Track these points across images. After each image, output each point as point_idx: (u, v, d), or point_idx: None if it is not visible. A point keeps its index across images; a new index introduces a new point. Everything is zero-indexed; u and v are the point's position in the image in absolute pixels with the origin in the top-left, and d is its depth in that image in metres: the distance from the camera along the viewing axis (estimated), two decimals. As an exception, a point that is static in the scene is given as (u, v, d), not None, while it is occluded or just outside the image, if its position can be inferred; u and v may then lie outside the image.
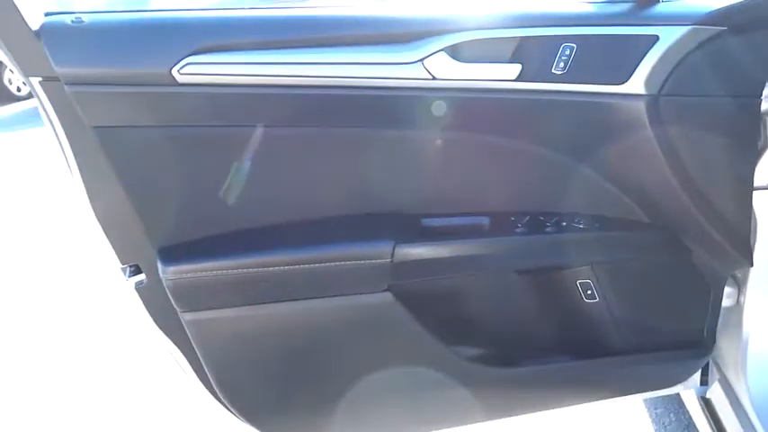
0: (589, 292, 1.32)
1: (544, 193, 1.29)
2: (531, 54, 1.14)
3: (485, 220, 1.28)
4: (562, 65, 1.14)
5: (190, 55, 1.07)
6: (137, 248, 1.19)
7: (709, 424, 1.53)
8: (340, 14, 1.15)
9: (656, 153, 1.16)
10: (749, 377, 1.39)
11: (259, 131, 1.16)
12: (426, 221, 1.27)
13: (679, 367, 1.40)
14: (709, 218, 1.22)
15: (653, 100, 1.13)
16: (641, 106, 1.14)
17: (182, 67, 1.07)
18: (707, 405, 1.54)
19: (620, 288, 1.32)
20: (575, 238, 1.25)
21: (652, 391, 1.42)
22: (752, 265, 1.27)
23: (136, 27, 1.08)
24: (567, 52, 1.13)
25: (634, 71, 1.12)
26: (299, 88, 1.13)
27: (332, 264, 1.17)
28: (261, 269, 1.15)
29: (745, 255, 1.25)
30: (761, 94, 1.20)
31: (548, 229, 1.25)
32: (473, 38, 1.13)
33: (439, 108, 1.17)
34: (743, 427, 1.40)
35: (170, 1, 1.41)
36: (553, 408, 1.41)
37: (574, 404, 1.42)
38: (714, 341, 1.39)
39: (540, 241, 1.23)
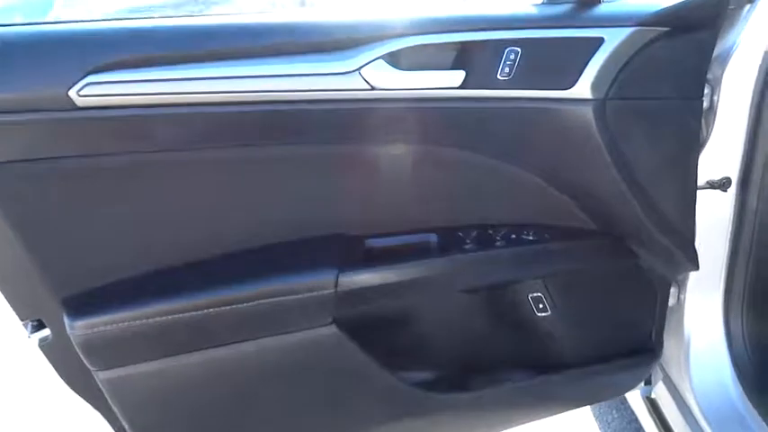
0: (541, 305, 1.26)
1: (492, 204, 1.22)
2: (474, 60, 1.06)
3: (432, 237, 1.20)
4: (507, 70, 1.06)
5: (90, 74, 0.91)
6: (37, 301, 1.01)
7: (656, 423, 1.52)
8: (265, 21, 1.02)
9: (603, 158, 1.12)
10: (692, 375, 1.39)
11: (175, 156, 1.01)
12: (371, 242, 1.16)
13: (629, 374, 1.38)
14: (655, 222, 1.19)
15: (599, 105, 1.08)
16: (588, 111, 1.08)
17: (81, 88, 0.91)
18: (652, 405, 1.54)
19: (571, 299, 1.28)
20: (525, 252, 1.19)
21: (604, 400, 1.39)
22: (698, 269, 1.26)
23: (26, 43, 0.91)
24: (512, 57, 1.06)
25: (580, 75, 1.07)
26: (220, 106, 0.99)
27: (266, 301, 1.04)
28: (183, 314, 1.01)
29: (692, 259, 1.24)
30: (702, 95, 1.18)
31: (497, 244, 1.18)
32: (413, 44, 1.03)
33: (379, 120, 1.07)
34: (688, 425, 1.39)
35: (77, 11, 1.22)
36: (507, 428, 1.35)
37: (527, 422, 1.37)
38: (662, 345, 1.38)
39: (489, 258, 1.16)
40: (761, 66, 1.23)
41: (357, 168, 1.13)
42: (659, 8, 1.07)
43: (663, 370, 1.49)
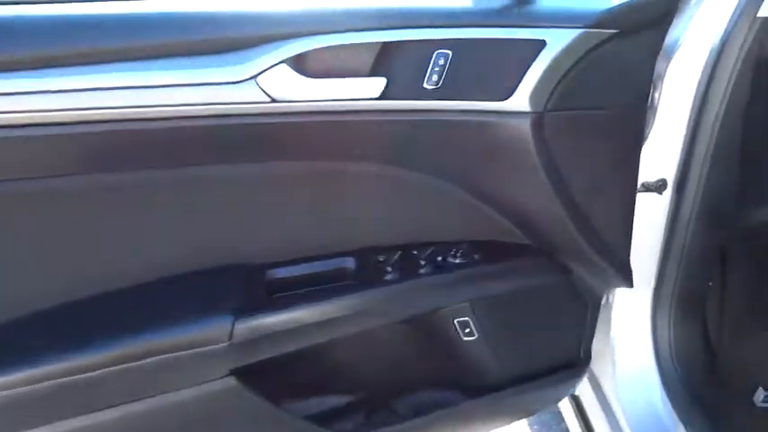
0: (467, 330, 1.14)
1: (418, 222, 1.08)
2: (397, 65, 0.88)
3: (349, 263, 1.04)
4: (435, 78, 0.89)
5: None
6: None
7: (578, 421, 1.48)
8: (132, 13, 0.79)
9: (538, 175, 0.99)
10: (617, 379, 1.34)
11: (22, 187, 0.79)
12: (275, 273, 0.99)
13: (557, 389, 1.30)
14: (589, 241, 1.09)
15: (537, 118, 0.94)
16: (525, 125, 0.94)
17: None
18: (576, 402, 1.49)
19: (500, 320, 1.17)
20: (452, 277, 1.05)
21: (532, 414, 1.32)
22: (632, 287, 1.17)
23: None
24: (442, 62, 0.89)
25: (518, 84, 0.92)
26: (76, 125, 0.77)
27: (153, 359, 0.86)
28: (38, 385, 0.81)
29: (626, 277, 1.15)
30: (647, 101, 1.06)
31: (422, 270, 1.03)
32: (323, 45, 0.84)
33: (282, 137, 0.89)
34: (609, 424, 1.35)
35: None
36: None
37: None
38: (590, 358, 1.31)
39: (412, 288, 1.02)
40: (706, 62, 1.13)
41: (257, 188, 0.94)
42: (608, 8, 0.93)
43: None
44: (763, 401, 1.51)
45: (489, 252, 1.11)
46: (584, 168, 1.04)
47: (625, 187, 1.10)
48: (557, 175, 1.00)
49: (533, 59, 0.91)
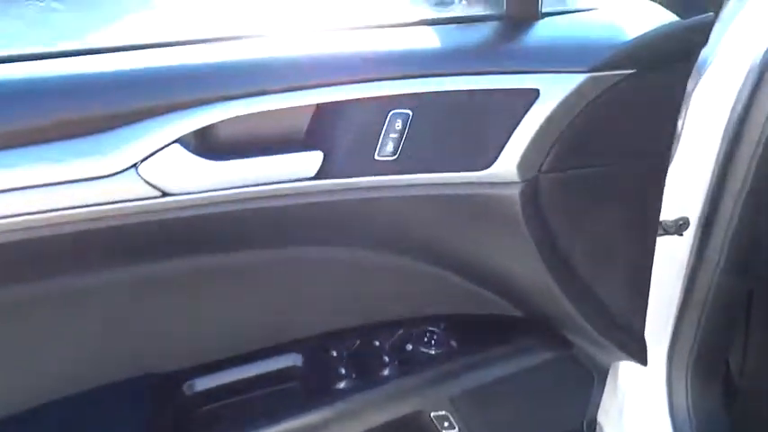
0: (447, 423, 0.94)
1: (375, 303, 0.87)
2: (338, 132, 0.66)
3: (296, 360, 0.83)
4: (391, 147, 0.67)
5: None
6: None
7: None
8: None
9: (527, 246, 0.77)
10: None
11: None
12: (195, 384, 0.79)
13: None
14: (593, 314, 0.88)
15: (529, 185, 0.72)
16: (512, 196, 0.72)
17: None
18: None
19: (485, 410, 0.96)
20: (425, 377, 0.85)
21: None
22: (646, 365, 0.97)
23: None
24: (398, 125, 0.66)
25: (502, 149, 0.69)
26: None
27: None
28: None
29: (639, 356, 0.95)
30: (671, 150, 0.84)
31: (386, 370, 0.83)
32: (233, 113, 0.61)
33: (188, 231, 0.67)
34: None
35: None
36: None
37: None
38: (594, 430, 1.12)
39: (375, 398, 0.81)
40: (744, 82, 0.90)
41: (170, 288, 0.73)
42: (621, 43, 0.70)
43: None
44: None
45: (469, 332, 0.90)
46: (589, 234, 0.83)
47: (641, 250, 0.88)
48: (551, 246, 0.79)
49: (522, 115, 0.68)
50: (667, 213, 0.97)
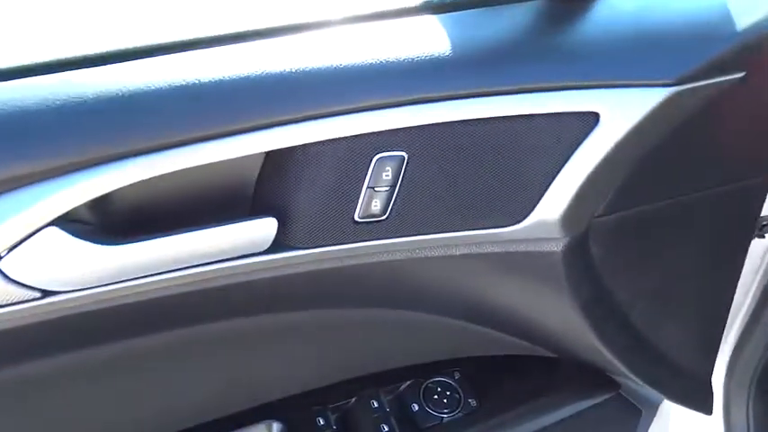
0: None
1: (370, 355, 0.69)
2: (299, 190, 0.45)
3: (274, 428, 0.67)
4: (377, 205, 0.46)
5: None
6: None
7: None
8: None
9: (570, 305, 0.58)
10: None
11: None
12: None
13: None
14: (650, 363, 0.70)
15: (576, 239, 0.52)
16: (552, 254, 0.52)
17: None
18: None
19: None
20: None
21: None
22: (710, 414, 0.79)
23: None
24: (387, 173, 0.45)
25: (540, 198, 0.48)
26: None
27: None
28: None
29: (703, 402, 0.76)
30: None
31: None
32: (137, 174, 0.41)
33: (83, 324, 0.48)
34: None
35: None
36: None
37: None
38: None
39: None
40: None
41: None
42: (730, 34, 0.46)
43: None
44: None
45: (489, 382, 0.72)
46: (654, 279, 0.63)
47: (721, 286, 0.68)
48: (601, 304, 0.59)
49: (571, 151, 0.47)
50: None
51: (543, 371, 0.76)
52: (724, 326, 0.71)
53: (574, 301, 0.57)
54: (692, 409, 0.78)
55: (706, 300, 0.67)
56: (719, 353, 0.91)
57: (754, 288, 0.88)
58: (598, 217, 0.53)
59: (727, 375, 0.96)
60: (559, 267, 0.53)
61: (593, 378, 0.77)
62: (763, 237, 0.80)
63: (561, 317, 0.60)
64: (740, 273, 0.67)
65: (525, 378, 0.75)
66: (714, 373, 0.94)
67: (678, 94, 0.46)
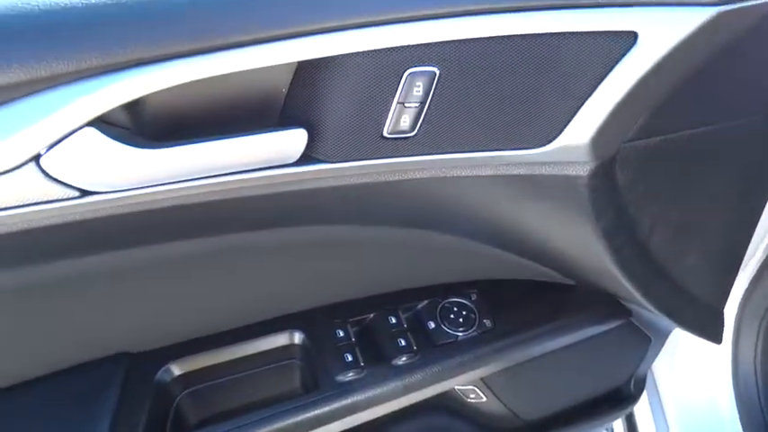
0: (473, 395, 0.82)
1: (390, 274, 0.71)
2: (330, 102, 0.45)
3: (297, 338, 0.70)
4: (407, 121, 0.46)
5: None
6: None
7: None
8: None
9: (593, 232, 0.59)
10: (679, 403, 1.05)
11: None
12: (179, 363, 0.67)
13: (600, 423, 1.01)
14: (667, 292, 0.71)
15: (604, 165, 0.52)
16: (578, 178, 0.52)
17: None
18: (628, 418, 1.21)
19: (521, 381, 0.83)
20: (451, 365, 0.70)
21: None
22: (720, 343, 0.81)
23: None
24: (418, 89, 0.45)
25: (570, 119, 0.48)
26: None
27: None
28: None
29: (713, 332, 0.78)
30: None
31: (400, 360, 0.68)
32: (173, 79, 0.41)
33: (114, 228, 0.50)
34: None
35: None
36: None
37: None
38: (642, 390, 0.98)
39: (383, 390, 0.67)
40: None
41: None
42: None
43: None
44: None
45: (505, 305, 0.74)
46: (679, 208, 0.63)
47: (742, 220, 0.68)
48: (625, 231, 0.60)
49: (606, 72, 0.46)
50: None
51: (558, 296, 0.77)
52: (742, 259, 0.71)
53: (596, 226, 0.57)
54: (702, 338, 0.79)
55: (727, 232, 0.68)
56: (736, 284, 0.92)
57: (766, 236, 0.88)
58: (627, 142, 0.53)
59: (740, 308, 0.97)
60: (584, 192, 0.53)
61: (607, 305, 0.79)
62: None
63: (582, 242, 0.61)
64: (763, 207, 0.67)
65: (540, 302, 0.76)
66: (726, 307, 0.95)
67: (723, 14, 0.45)
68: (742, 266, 0.88)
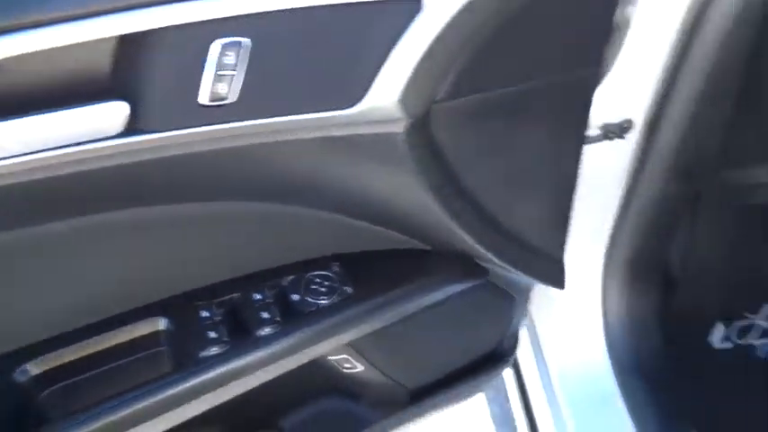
0: (348, 365, 0.86)
1: (250, 254, 0.74)
2: (148, 74, 0.49)
3: (161, 324, 0.72)
4: (223, 88, 0.50)
5: None
6: None
7: (516, 384, 1.29)
8: None
9: (421, 187, 0.65)
10: (557, 348, 1.13)
11: None
12: (35, 364, 0.67)
13: (479, 384, 1.07)
14: (504, 243, 0.78)
15: (419, 120, 0.58)
16: (395, 135, 0.58)
17: None
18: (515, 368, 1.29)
19: (392, 344, 0.88)
20: (314, 331, 0.74)
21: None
22: (563, 288, 0.89)
23: None
24: (230, 58, 0.49)
25: (373, 78, 0.53)
26: None
27: None
28: None
29: (556, 278, 0.86)
30: (601, 63, 0.68)
31: (263, 331, 0.72)
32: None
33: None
34: (546, 395, 1.16)
35: None
36: None
37: None
38: (516, 347, 1.06)
39: (249, 361, 0.70)
40: None
41: None
42: None
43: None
44: (723, 341, 1.31)
45: (367, 272, 0.79)
46: (500, 163, 0.70)
47: (563, 173, 0.76)
48: (451, 184, 0.66)
49: (399, 34, 0.52)
50: (610, 115, 0.85)
51: (417, 262, 0.83)
52: (570, 206, 0.79)
53: (424, 185, 0.63)
54: (548, 285, 0.87)
55: (551, 183, 0.75)
56: (595, 248, 1.01)
57: (620, 189, 0.97)
58: (439, 102, 0.59)
59: (604, 264, 1.05)
60: (404, 150, 0.58)
61: (463, 266, 0.85)
62: (624, 138, 0.89)
63: (417, 202, 0.67)
64: (580, 158, 0.75)
65: (400, 268, 0.82)
66: (592, 264, 1.04)
67: None
68: (601, 221, 0.97)
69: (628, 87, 0.81)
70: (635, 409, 1.06)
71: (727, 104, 0.81)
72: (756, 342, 1.28)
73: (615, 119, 0.84)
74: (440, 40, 0.52)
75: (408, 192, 0.65)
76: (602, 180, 0.94)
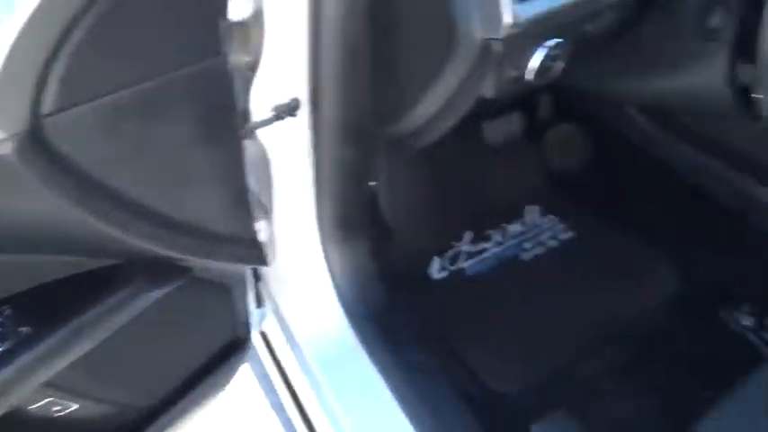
0: (57, 407, 0.79)
1: None
2: None
3: None
4: None
5: None
6: None
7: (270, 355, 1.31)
8: None
9: (59, 203, 0.61)
10: (297, 310, 1.17)
11: None
12: None
13: (226, 374, 1.07)
14: (187, 238, 0.77)
15: (28, 137, 0.54)
16: (6, 158, 0.54)
17: None
18: (264, 338, 1.31)
19: (108, 366, 0.83)
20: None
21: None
22: (268, 265, 0.92)
23: None
24: None
25: None
26: None
27: None
28: None
29: (257, 257, 0.88)
30: (221, 45, 0.70)
31: None
32: None
33: None
34: (295, 356, 1.21)
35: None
36: None
37: None
38: (249, 331, 1.08)
39: None
40: None
41: None
42: None
43: (271, 299, 1.23)
44: (440, 271, 1.48)
45: (48, 305, 0.73)
46: (147, 158, 0.68)
47: (222, 159, 0.77)
48: (96, 193, 0.63)
49: None
50: (279, 96, 0.88)
51: (105, 279, 0.78)
52: (244, 187, 0.80)
53: (63, 200, 0.59)
54: (251, 265, 0.89)
55: (215, 170, 0.75)
56: (308, 215, 1.05)
57: (309, 160, 1.01)
58: (52, 115, 0.55)
59: (319, 230, 1.10)
60: (22, 170, 0.54)
61: (161, 269, 0.83)
62: (296, 116, 0.92)
63: (69, 221, 0.62)
64: (238, 141, 0.77)
65: (85, 291, 0.76)
66: (307, 231, 1.08)
67: None
68: (303, 193, 1.01)
69: (285, 69, 0.85)
70: (374, 353, 1.14)
71: (365, 66, 0.89)
72: (465, 264, 1.48)
73: (283, 100, 0.88)
74: (13, 54, 0.49)
75: (52, 211, 0.61)
76: (292, 155, 0.98)
